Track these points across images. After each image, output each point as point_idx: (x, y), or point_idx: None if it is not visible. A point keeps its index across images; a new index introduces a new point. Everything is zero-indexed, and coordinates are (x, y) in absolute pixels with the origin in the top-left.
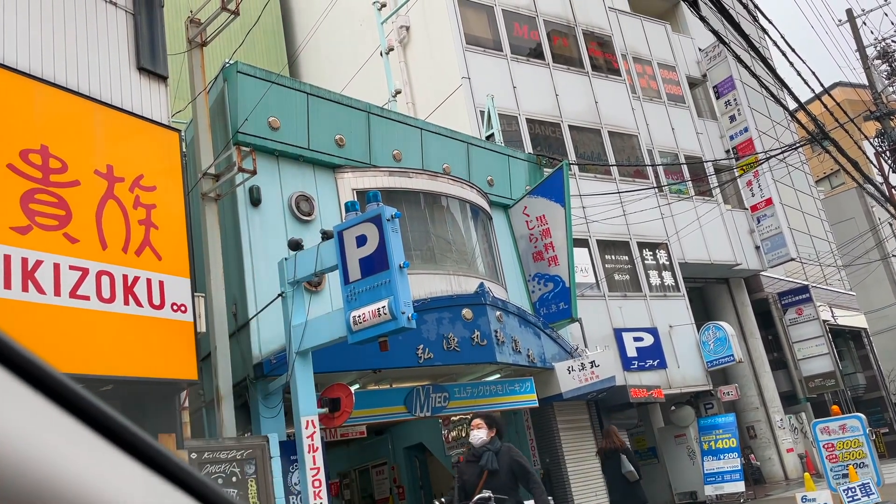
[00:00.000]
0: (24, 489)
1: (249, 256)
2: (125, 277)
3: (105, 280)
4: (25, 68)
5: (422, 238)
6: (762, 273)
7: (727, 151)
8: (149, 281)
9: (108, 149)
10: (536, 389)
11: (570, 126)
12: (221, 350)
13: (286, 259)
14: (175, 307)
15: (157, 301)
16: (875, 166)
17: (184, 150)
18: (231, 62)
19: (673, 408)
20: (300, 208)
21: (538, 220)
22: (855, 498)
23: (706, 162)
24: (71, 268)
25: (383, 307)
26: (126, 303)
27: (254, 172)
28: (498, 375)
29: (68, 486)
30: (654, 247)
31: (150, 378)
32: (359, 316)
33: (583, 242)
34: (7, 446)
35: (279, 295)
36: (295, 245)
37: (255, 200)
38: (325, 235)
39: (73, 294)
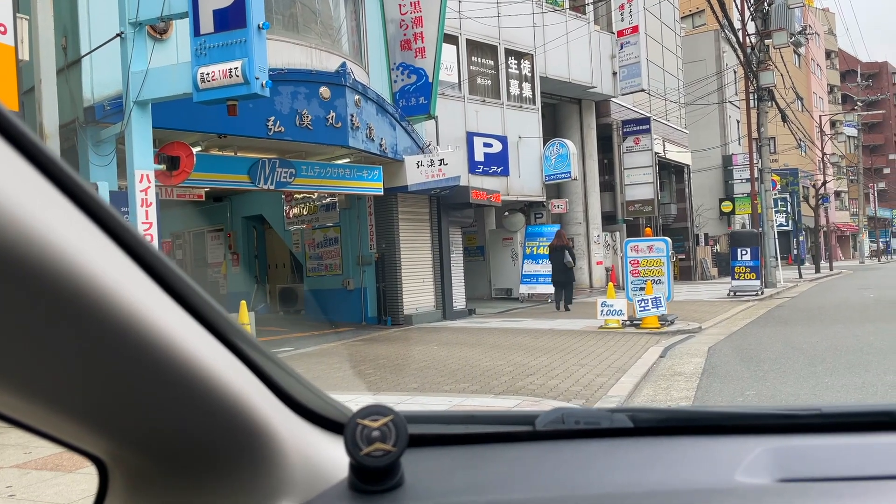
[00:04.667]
0: None
1: None
2: None
3: None
4: None
5: (285, 1)
6: (612, 99)
7: None
8: None
9: None
10: (383, 179)
11: None
12: (47, 84)
13: None
14: None
15: None
16: (738, 9)
17: None
18: None
19: (506, 213)
20: None
21: (412, 7)
22: (646, 308)
23: None
24: None
25: (235, 68)
26: None
27: None
28: (348, 160)
29: None
30: (519, 56)
31: None
32: (207, 73)
33: (452, 39)
34: None
35: (118, 35)
36: None
37: None
38: None
39: None
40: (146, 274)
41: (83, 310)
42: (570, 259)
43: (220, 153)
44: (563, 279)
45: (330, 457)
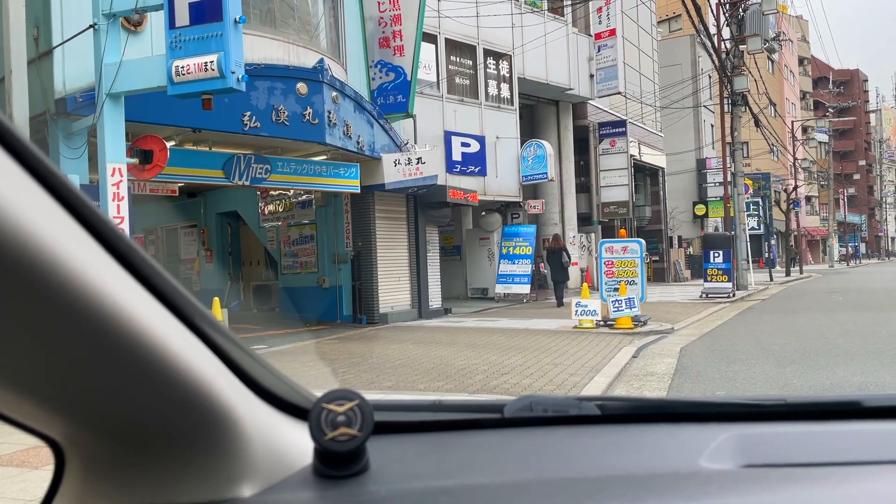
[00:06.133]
0: None
1: None
2: None
3: None
4: None
5: None
6: (589, 101)
7: None
8: None
9: None
10: (360, 176)
11: None
12: (18, 75)
13: None
14: None
15: None
16: (713, 15)
17: None
18: None
19: (483, 213)
20: None
21: (391, 4)
22: (619, 308)
23: None
24: None
25: (211, 62)
26: None
27: None
28: (324, 157)
29: None
30: (498, 56)
31: None
32: (182, 67)
33: (431, 38)
34: None
35: (91, 26)
36: None
37: None
38: None
39: None
40: (105, 249)
41: (35, 282)
42: (567, 260)
43: (195, 148)
44: (561, 278)
45: (294, 442)
